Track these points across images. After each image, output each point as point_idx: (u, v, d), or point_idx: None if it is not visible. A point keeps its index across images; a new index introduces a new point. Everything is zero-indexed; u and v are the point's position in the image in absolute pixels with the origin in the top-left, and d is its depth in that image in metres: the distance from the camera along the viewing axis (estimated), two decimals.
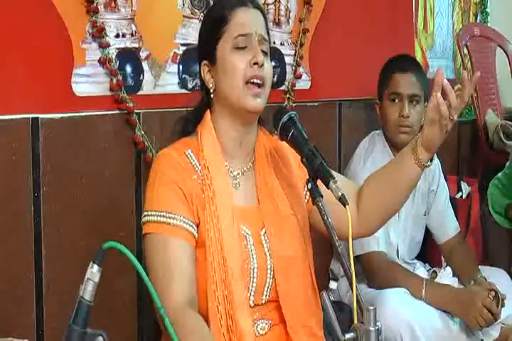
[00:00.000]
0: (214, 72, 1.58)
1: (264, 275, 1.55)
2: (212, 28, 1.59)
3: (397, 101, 2.43)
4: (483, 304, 2.15)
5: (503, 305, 2.19)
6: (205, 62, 1.60)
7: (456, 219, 2.94)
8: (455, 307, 2.21)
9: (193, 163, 1.56)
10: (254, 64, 1.53)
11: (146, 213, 1.53)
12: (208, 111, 1.61)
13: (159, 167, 1.56)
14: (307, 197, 1.68)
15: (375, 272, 2.31)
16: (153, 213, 1.51)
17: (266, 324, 1.57)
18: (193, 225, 1.51)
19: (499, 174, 2.76)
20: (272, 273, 1.56)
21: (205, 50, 1.61)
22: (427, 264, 2.62)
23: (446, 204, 2.64)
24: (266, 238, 1.57)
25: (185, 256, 1.49)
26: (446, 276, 2.40)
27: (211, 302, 1.48)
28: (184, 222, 1.50)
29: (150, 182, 1.56)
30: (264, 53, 1.58)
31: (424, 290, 2.21)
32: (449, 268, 2.43)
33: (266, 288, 1.56)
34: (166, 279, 1.45)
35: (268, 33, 1.63)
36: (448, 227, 2.60)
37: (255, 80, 1.53)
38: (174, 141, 1.63)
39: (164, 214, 1.50)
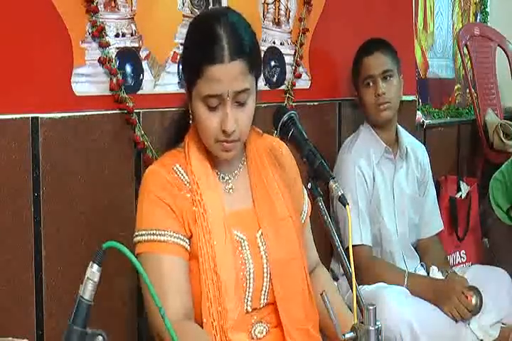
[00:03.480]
0: (191, 105, 1.52)
1: (260, 280, 1.55)
2: (189, 69, 1.50)
3: (371, 84, 2.50)
4: (459, 299, 2.19)
5: (481, 301, 2.21)
6: (185, 86, 1.54)
7: (456, 219, 2.97)
8: (433, 297, 2.24)
9: (182, 178, 1.55)
10: (223, 131, 1.47)
11: (136, 233, 1.52)
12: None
13: (147, 185, 1.55)
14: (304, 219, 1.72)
15: (354, 266, 2.33)
16: (143, 232, 1.51)
17: (264, 327, 1.56)
18: (185, 238, 1.50)
19: (502, 167, 2.75)
20: (268, 276, 1.55)
21: (185, 79, 1.54)
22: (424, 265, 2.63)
23: (434, 202, 2.69)
24: (262, 240, 1.57)
25: (179, 272, 1.48)
26: (436, 274, 2.43)
27: (206, 318, 1.47)
28: (174, 236, 1.49)
29: (139, 202, 1.56)
30: (241, 105, 1.48)
31: (405, 282, 2.25)
32: None
33: (263, 292, 1.55)
34: (160, 296, 1.44)
35: (254, 69, 1.49)
36: (433, 224, 2.68)
37: (225, 144, 1.49)
38: (166, 150, 1.63)
39: (154, 232, 1.49)
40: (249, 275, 1.53)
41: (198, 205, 1.51)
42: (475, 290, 2.22)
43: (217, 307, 1.47)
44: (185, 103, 1.57)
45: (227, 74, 1.43)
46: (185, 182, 1.54)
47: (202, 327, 1.47)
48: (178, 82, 2.15)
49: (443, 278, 2.38)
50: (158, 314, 1.31)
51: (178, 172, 1.55)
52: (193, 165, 1.55)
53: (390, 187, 2.51)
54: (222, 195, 1.56)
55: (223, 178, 1.60)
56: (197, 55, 1.45)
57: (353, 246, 2.25)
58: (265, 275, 1.55)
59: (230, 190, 1.59)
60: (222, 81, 1.43)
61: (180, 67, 1.63)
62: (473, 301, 2.19)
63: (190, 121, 1.57)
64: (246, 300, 1.53)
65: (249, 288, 1.53)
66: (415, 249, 2.61)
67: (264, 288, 1.55)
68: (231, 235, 1.53)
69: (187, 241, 1.51)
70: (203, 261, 1.49)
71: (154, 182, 1.53)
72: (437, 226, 2.68)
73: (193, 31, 1.53)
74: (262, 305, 1.56)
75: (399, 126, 2.59)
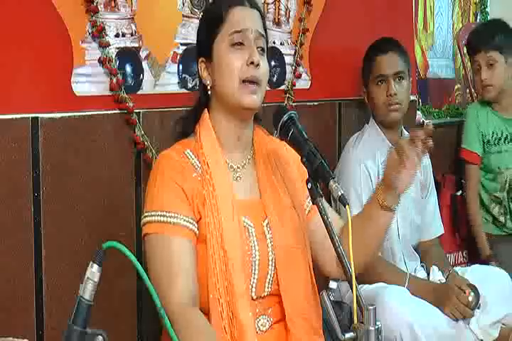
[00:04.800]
0: (211, 69, 1.60)
1: (265, 267, 1.56)
2: (209, 26, 1.61)
3: (383, 83, 2.50)
4: (458, 298, 2.18)
5: (478, 298, 2.22)
6: (201, 59, 1.62)
7: (456, 217, 2.96)
8: (433, 299, 2.23)
9: (193, 162, 1.58)
10: (251, 63, 1.54)
11: (146, 214, 1.54)
12: (206, 110, 1.62)
13: (159, 167, 1.57)
14: (307, 209, 1.71)
15: None
16: (154, 213, 1.52)
17: (267, 321, 1.57)
18: (194, 222, 1.52)
19: None
20: (273, 264, 1.57)
21: (201, 48, 1.63)
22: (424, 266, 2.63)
23: (435, 206, 2.68)
24: (269, 229, 1.59)
25: (187, 255, 1.50)
26: (437, 274, 2.42)
27: (212, 294, 1.49)
28: (184, 220, 1.51)
29: (150, 184, 1.58)
30: (261, 50, 1.59)
31: (406, 284, 2.25)
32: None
33: (267, 280, 1.57)
34: (168, 278, 1.46)
35: (265, 31, 1.64)
36: (434, 228, 2.67)
37: (251, 79, 1.55)
38: (174, 142, 1.65)
39: (165, 213, 1.51)
40: (255, 262, 1.55)
41: (207, 185, 1.54)
42: (473, 287, 2.22)
43: (224, 282, 1.49)
44: (199, 77, 1.63)
45: (249, 15, 1.60)
46: (196, 166, 1.57)
47: (208, 304, 1.48)
48: (178, 82, 2.15)
49: (443, 278, 2.38)
50: (164, 296, 1.38)
51: (189, 157, 1.58)
52: (204, 148, 1.58)
53: None
54: (230, 179, 1.59)
55: (232, 167, 1.62)
56: (220, 3, 1.61)
57: None
58: (270, 263, 1.57)
59: (238, 179, 1.62)
60: (245, 20, 1.59)
61: (198, 28, 1.71)
62: (470, 298, 2.20)
63: (209, 92, 1.61)
64: (250, 287, 1.54)
65: (255, 274, 1.55)
66: (415, 250, 2.61)
67: (268, 276, 1.57)
68: (238, 217, 1.55)
69: (196, 225, 1.53)
70: (210, 237, 1.51)
71: (167, 164, 1.56)
72: (438, 230, 2.68)
73: None
74: (266, 294, 1.57)
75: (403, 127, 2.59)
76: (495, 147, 2.93)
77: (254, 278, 1.55)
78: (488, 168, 2.96)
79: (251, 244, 1.55)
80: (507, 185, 2.91)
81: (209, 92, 1.62)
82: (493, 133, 2.94)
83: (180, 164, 1.56)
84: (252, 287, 1.55)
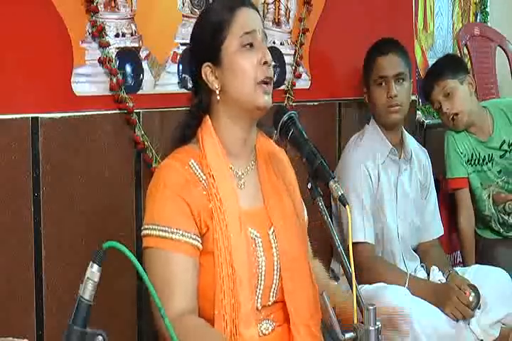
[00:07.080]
0: (219, 73, 1.56)
1: (270, 277, 1.55)
2: (214, 31, 1.57)
3: (383, 84, 2.49)
4: (459, 298, 2.19)
5: (478, 298, 2.22)
6: (207, 64, 1.57)
7: (455, 217, 2.96)
8: (434, 299, 2.23)
9: (197, 174, 1.54)
10: (264, 63, 1.54)
11: (146, 226, 1.50)
12: (207, 116, 1.59)
13: (162, 178, 1.52)
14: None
15: (356, 264, 2.32)
16: (154, 227, 1.49)
17: (270, 325, 1.57)
18: (196, 237, 1.49)
19: None
20: (278, 273, 1.56)
21: (206, 53, 1.58)
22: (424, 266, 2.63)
23: (435, 206, 2.68)
24: (274, 237, 1.58)
25: (187, 271, 1.47)
26: (437, 274, 2.43)
27: (217, 310, 1.47)
28: (185, 236, 1.48)
29: (151, 194, 1.53)
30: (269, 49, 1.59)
31: (407, 284, 2.25)
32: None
33: (273, 289, 1.56)
34: (165, 293, 1.43)
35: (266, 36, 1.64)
36: (434, 229, 2.66)
37: (265, 80, 1.55)
38: (172, 149, 1.61)
39: (166, 229, 1.47)
40: (261, 273, 1.53)
41: (214, 199, 1.51)
42: (473, 287, 2.23)
43: (231, 300, 1.47)
44: (196, 84, 1.61)
45: (253, 16, 1.60)
46: (201, 179, 1.53)
47: (213, 319, 1.47)
48: (178, 82, 2.15)
49: (443, 278, 2.38)
50: (161, 318, 1.33)
51: (194, 168, 1.54)
52: (208, 158, 1.55)
53: (393, 188, 2.50)
54: (236, 189, 1.57)
55: (236, 173, 1.60)
56: (221, 7, 1.60)
57: (356, 243, 2.30)
58: (275, 272, 1.56)
59: (242, 186, 1.60)
60: (254, 20, 1.59)
61: (198, 33, 1.64)
62: (471, 298, 2.20)
63: (218, 97, 1.57)
64: (256, 298, 1.53)
65: (260, 285, 1.54)
66: (415, 251, 2.61)
67: (273, 285, 1.56)
68: (245, 231, 1.53)
69: (199, 239, 1.50)
70: (218, 254, 1.48)
71: (170, 176, 1.52)
72: (438, 230, 2.67)
73: None
74: (270, 303, 1.56)
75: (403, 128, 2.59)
76: (475, 167, 2.85)
77: (260, 289, 1.53)
78: (470, 187, 2.86)
79: (258, 255, 1.54)
80: (490, 199, 2.87)
81: (218, 97, 1.56)
82: (472, 154, 2.84)
83: (184, 177, 1.51)
84: (257, 298, 1.53)
